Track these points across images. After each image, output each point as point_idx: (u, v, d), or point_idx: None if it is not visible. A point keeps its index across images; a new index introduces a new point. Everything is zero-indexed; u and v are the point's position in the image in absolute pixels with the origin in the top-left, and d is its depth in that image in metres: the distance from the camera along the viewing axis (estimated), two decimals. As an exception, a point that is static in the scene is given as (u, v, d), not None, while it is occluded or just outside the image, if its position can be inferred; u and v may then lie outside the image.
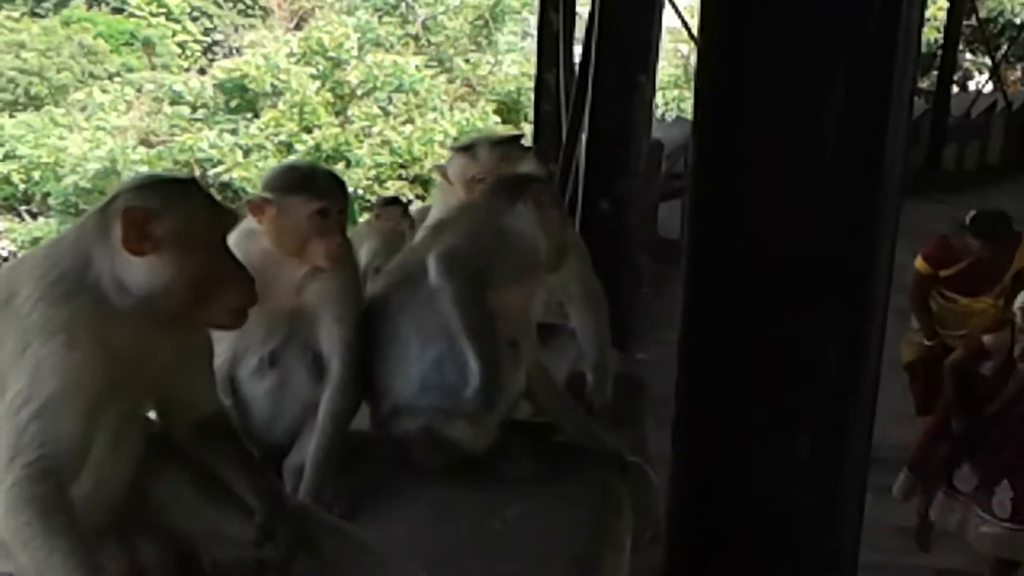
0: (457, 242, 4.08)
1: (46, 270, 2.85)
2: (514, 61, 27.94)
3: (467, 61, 28.38)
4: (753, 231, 2.51)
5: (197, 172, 22.68)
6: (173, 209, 2.88)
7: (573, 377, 4.70)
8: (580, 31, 11.09)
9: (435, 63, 27.69)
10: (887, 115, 2.38)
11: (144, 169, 22.74)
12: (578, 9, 11.97)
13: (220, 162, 22.82)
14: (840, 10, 2.33)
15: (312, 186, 3.91)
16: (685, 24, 11.21)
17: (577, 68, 9.28)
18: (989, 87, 19.07)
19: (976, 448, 7.05)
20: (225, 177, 22.62)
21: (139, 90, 28.03)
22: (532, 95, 25.54)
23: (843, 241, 2.47)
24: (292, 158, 22.61)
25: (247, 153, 23.26)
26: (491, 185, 4.39)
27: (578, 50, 10.95)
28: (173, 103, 25.66)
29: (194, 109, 25.39)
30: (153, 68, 29.68)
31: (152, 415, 3.18)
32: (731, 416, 2.63)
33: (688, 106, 26.43)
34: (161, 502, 3.12)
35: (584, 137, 8.09)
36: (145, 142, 25.09)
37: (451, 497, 3.90)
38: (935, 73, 18.29)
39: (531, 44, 28.77)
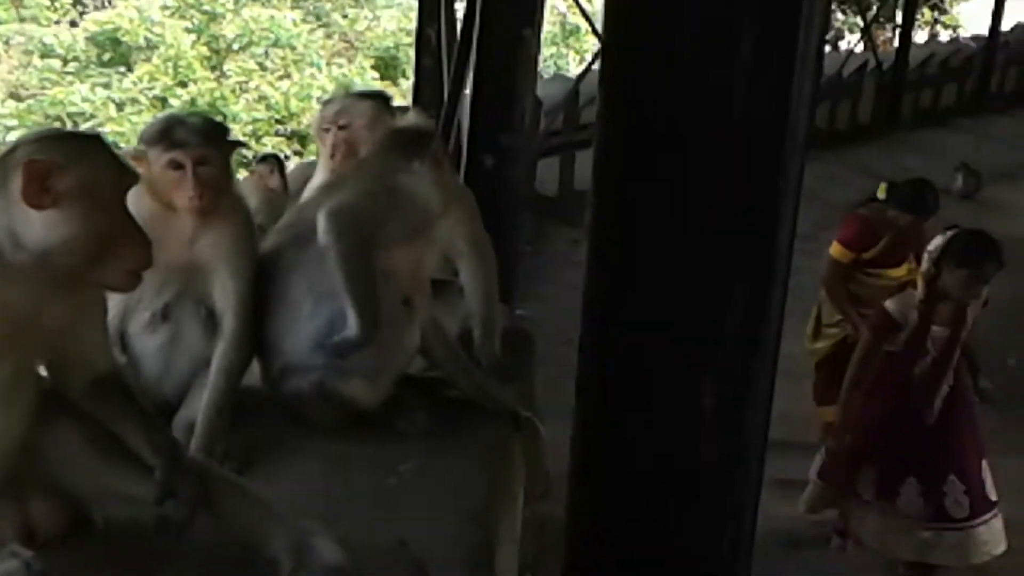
0: (347, 199, 4.05)
1: None
2: (392, 16, 27.69)
3: (345, 16, 28.08)
4: (656, 180, 2.52)
5: (69, 126, 22.20)
6: (76, 163, 2.82)
7: (463, 333, 4.69)
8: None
9: (313, 18, 27.36)
10: (793, 65, 2.40)
11: (13, 123, 22.25)
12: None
13: (93, 116, 22.33)
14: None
15: (166, 137, 3.84)
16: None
17: (460, 23, 9.23)
18: (860, 47, 19.31)
19: (898, 446, 6.35)
20: (98, 132, 22.05)
21: (7, 43, 27.35)
22: (411, 51, 25.54)
23: (746, 191, 2.48)
24: (167, 111, 22.35)
25: (120, 107, 22.79)
26: (385, 139, 4.35)
27: (460, 5, 10.95)
28: (43, 56, 25.02)
29: (65, 62, 24.77)
30: (22, 20, 28.95)
31: (43, 372, 3.12)
32: (634, 369, 2.65)
33: (565, 64, 26.51)
34: (54, 460, 3.07)
35: (468, 92, 8.05)
36: (14, 95, 24.45)
37: (344, 452, 3.89)
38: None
39: (408, 0, 28.65)
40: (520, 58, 7.41)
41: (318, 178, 4.89)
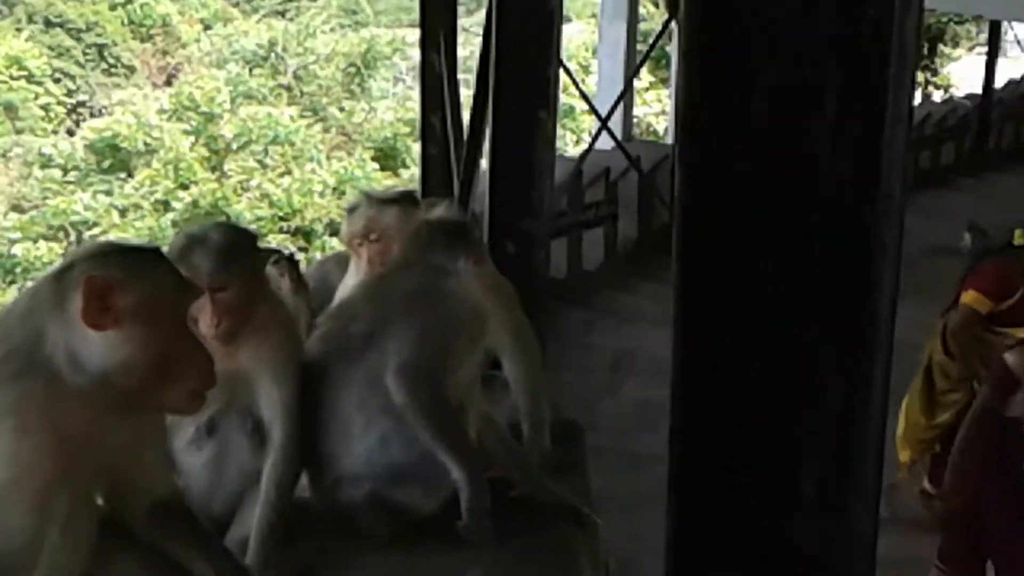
0: (409, 349, 3.84)
1: None
2: (388, 107, 27.85)
3: (341, 109, 28.22)
4: (743, 258, 2.38)
5: (72, 235, 22.21)
6: (137, 280, 2.69)
7: (510, 427, 4.55)
8: (460, 72, 10.99)
9: (309, 113, 27.51)
10: (882, 129, 2.27)
11: (16, 235, 22.27)
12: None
13: (96, 224, 22.33)
14: (832, 18, 2.22)
15: (184, 260, 3.59)
16: (567, 70, 11.10)
17: (470, 108, 9.14)
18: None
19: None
20: (102, 239, 22.20)
21: (5, 155, 27.46)
22: (410, 141, 25.70)
23: (839, 259, 2.34)
24: (172, 215, 22.36)
25: (123, 213, 22.81)
26: (423, 237, 4.16)
27: (464, 90, 10.90)
28: (43, 167, 25.11)
29: (65, 171, 24.85)
30: (18, 132, 29.09)
31: (100, 500, 2.97)
32: (729, 456, 2.49)
33: (563, 144, 26.54)
34: None
35: (486, 177, 7.95)
36: (16, 208, 24.51)
37: (406, 562, 3.74)
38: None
39: (403, 89, 28.81)
40: (538, 141, 7.29)
41: (353, 278, 4.75)
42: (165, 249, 3.19)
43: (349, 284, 4.70)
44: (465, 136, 9.71)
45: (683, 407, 2.57)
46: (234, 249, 3.75)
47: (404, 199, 4.83)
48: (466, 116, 9.89)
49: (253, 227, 21.32)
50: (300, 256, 19.94)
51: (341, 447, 3.90)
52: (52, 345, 2.65)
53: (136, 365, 2.67)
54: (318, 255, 19.38)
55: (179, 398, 2.80)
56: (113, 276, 2.66)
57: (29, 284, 2.84)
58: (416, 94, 11.26)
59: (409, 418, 3.78)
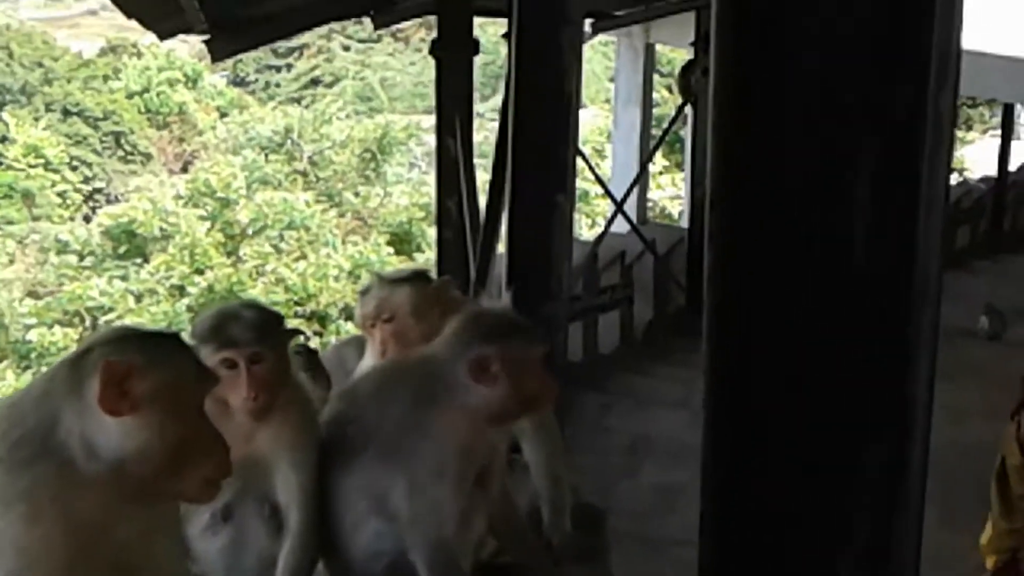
0: (431, 525, 3.73)
1: (7, 429, 2.59)
2: (403, 192, 27.98)
3: (356, 194, 28.37)
4: (774, 335, 2.34)
5: (88, 320, 22.25)
6: (156, 366, 2.64)
7: (530, 511, 4.48)
8: (475, 157, 11.04)
9: (325, 198, 27.65)
10: (918, 210, 2.23)
11: (32, 321, 22.30)
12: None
13: (111, 309, 22.37)
14: (866, 96, 2.18)
15: (219, 335, 3.62)
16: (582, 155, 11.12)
17: (487, 192, 9.15)
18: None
19: None
20: (119, 324, 22.18)
21: (20, 242, 27.60)
22: (424, 225, 25.78)
23: (875, 345, 2.30)
24: (188, 300, 22.40)
25: (139, 299, 22.85)
26: (461, 329, 3.88)
27: (480, 174, 10.92)
28: (59, 252, 25.24)
29: (81, 257, 24.98)
30: (35, 219, 29.27)
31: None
32: (761, 554, 2.44)
33: (578, 228, 26.57)
34: None
35: (501, 261, 7.94)
36: (32, 294, 24.60)
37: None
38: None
39: (418, 175, 28.97)
40: (556, 224, 7.29)
41: (369, 361, 4.70)
42: (185, 334, 3.16)
43: (365, 367, 4.66)
44: (481, 220, 9.72)
45: (713, 500, 2.52)
46: (269, 321, 3.76)
47: (416, 278, 4.77)
48: (482, 201, 9.90)
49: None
50: (315, 340, 19.94)
51: (352, 528, 3.85)
52: (67, 431, 2.60)
53: (152, 452, 2.61)
54: (333, 339, 19.36)
55: (195, 487, 2.74)
56: (132, 361, 2.60)
57: (44, 369, 2.77)
58: (431, 179, 11.32)
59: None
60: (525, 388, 3.72)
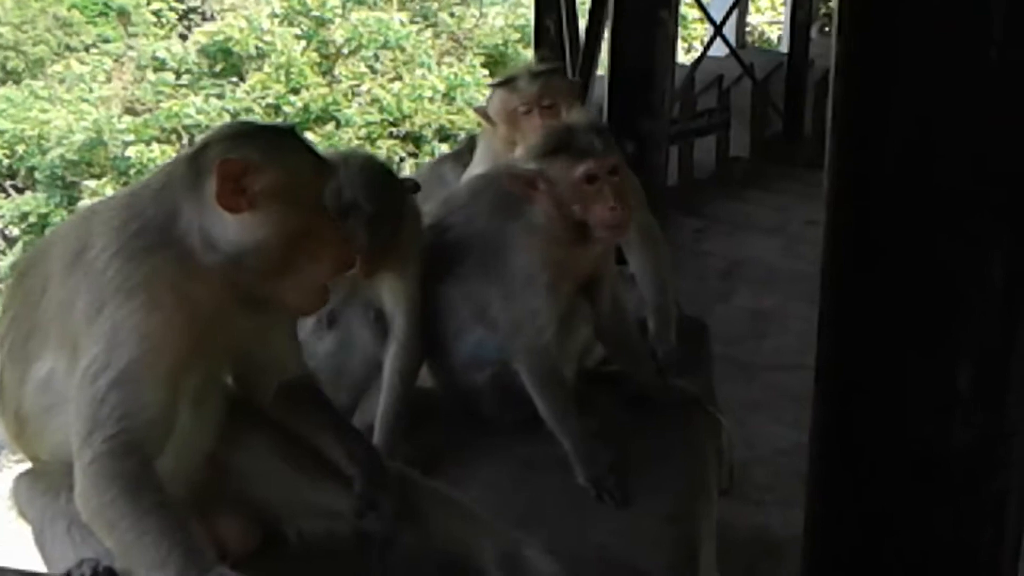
0: (529, 332, 3.73)
1: (125, 221, 2.61)
2: (499, 13, 27.50)
3: (452, 15, 27.95)
4: (905, 146, 2.28)
5: (185, 138, 22.37)
6: (273, 162, 2.64)
7: (636, 323, 4.47)
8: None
9: (420, 19, 27.27)
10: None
11: (131, 138, 22.45)
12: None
13: (208, 127, 22.42)
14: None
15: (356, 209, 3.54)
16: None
17: (590, 7, 9.00)
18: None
19: None
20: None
21: (117, 60, 27.63)
22: (520, 47, 25.44)
23: (1004, 155, 2.23)
24: (283, 119, 22.36)
25: (235, 117, 22.80)
26: (553, 140, 3.82)
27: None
28: (156, 70, 25.21)
29: (178, 75, 24.91)
30: (131, 36, 29.29)
31: (230, 381, 2.95)
32: (882, 349, 2.41)
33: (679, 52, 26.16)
34: (244, 473, 2.91)
35: (601, 82, 7.84)
36: (130, 111, 24.65)
37: (530, 455, 3.71)
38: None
39: (515, -4, 28.54)
40: (658, 40, 7.17)
41: (479, 168, 4.64)
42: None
43: (477, 171, 4.58)
44: (581, 39, 9.58)
45: (834, 300, 2.49)
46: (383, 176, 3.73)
47: (560, 70, 4.64)
48: (581, 22, 9.75)
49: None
50: (409, 161, 19.95)
51: (456, 334, 3.88)
52: (186, 223, 2.62)
53: (270, 246, 2.63)
54: (427, 160, 19.33)
55: (306, 291, 2.73)
56: (248, 158, 2.61)
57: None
58: (528, 0, 11.10)
59: (527, 387, 3.73)
60: (576, 208, 3.69)
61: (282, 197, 2.63)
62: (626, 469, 3.61)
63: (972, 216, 2.27)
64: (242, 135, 2.72)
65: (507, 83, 4.66)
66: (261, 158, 2.62)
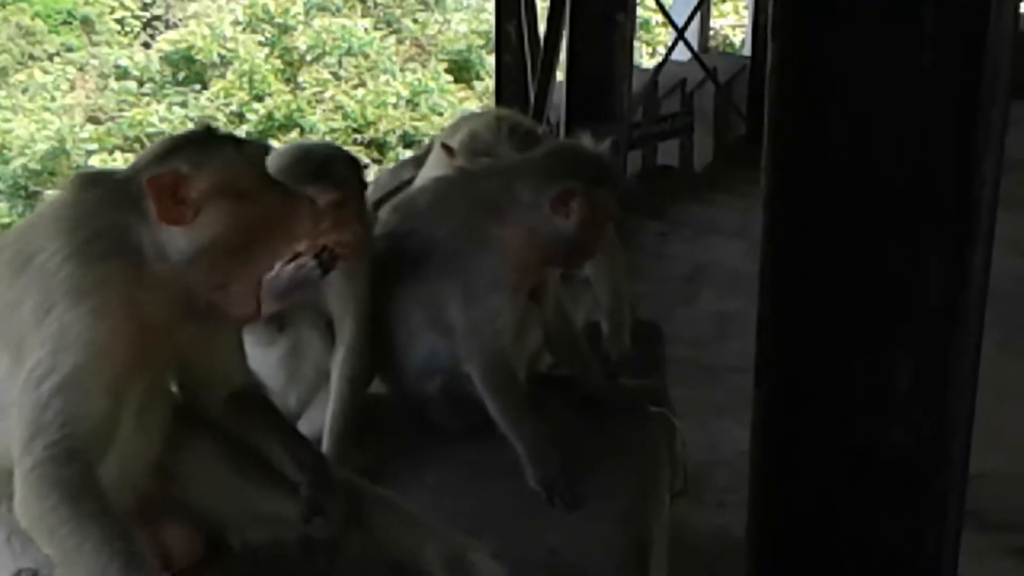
0: (487, 334, 3.73)
1: (75, 227, 2.60)
2: (462, 19, 27.54)
3: (415, 21, 27.97)
4: (843, 147, 2.28)
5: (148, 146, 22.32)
6: (201, 165, 2.64)
7: (589, 326, 4.48)
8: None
9: (384, 25, 27.28)
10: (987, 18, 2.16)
11: (94, 147, 22.37)
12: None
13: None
14: None
15: (328, 174, 3.58)
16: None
17: (548, 12, 9.00)
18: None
19: None
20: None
21: (81, 68, 27.54)
22: (483, 53, 25.45)
23: (941, 155, 2.24)
24: (247, 127, 22.33)
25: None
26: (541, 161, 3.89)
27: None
28: (119, 79, 25.16)
29: (141, 84, 24.88)
30: (94, 45, 29.18)
31: (175, 389, 2.94)
32: (822, 348, 2.41)
33: (639, 56, 26.21)
34: (189, 481, 2.90)
35: (562, 87, 7.84)
36: (93, 119, 24.58)
37: (480, 459, 3.70)
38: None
39: (477, 2, 28.55)
40: (615, 43, 7.19)
41: (429, 173, 4.63)
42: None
43: (424, 180, 4.59)
44: (541, 43, 9.58)
45: (771, 297, 2.49)
46: (356, 162, 3.77)
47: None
48: (541, 26, 9.75)
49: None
50: (374, 168, 19.92)
51: (407, 342, 3.87)
52: (137, 235, 2.62)
53: (229, 240, 2.64)
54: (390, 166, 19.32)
55: (243, 301, 2.73)
56: (176, 170, 2.61)
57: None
58: (491, 6, 11.07)
59: (479, 390, 3.73)
60: (590, 233, 3.76)
61: (224, 193, 2.64)
62: (577, 472, 3.61)
63: (911, 215, 2.28)
64: (164, 152, 2.72)
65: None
66: (189, 165, 2.62)
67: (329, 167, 3.60)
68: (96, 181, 2.75)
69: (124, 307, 2.57)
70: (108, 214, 2.64)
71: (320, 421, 3.73)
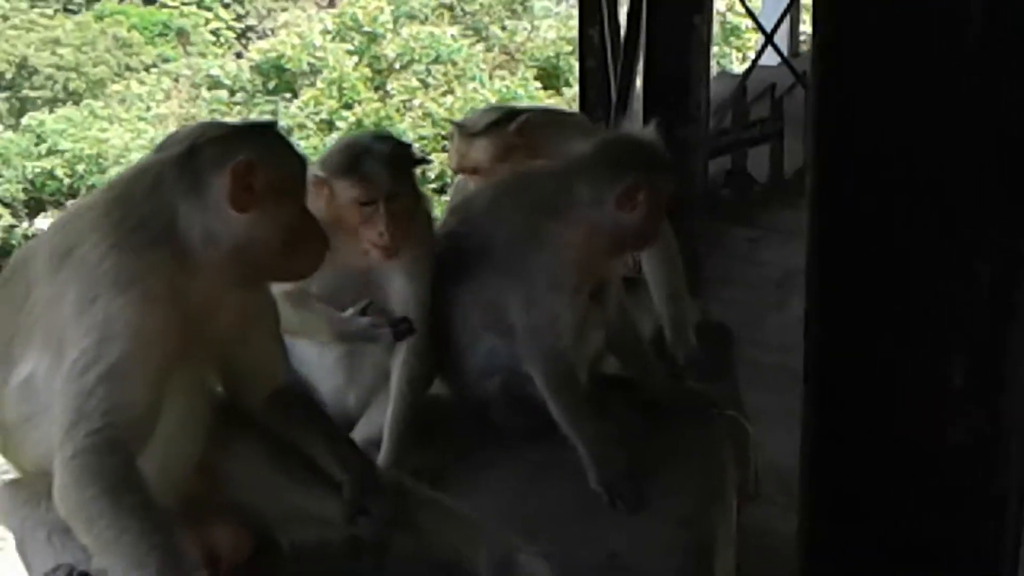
0: (548, 336, 3.68)
1: (121, 218, 2.62)
2: (551, 26, 27.57)
3: (503, 28, 28.03)
4: (888, 144, 2.22)
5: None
6: (271, 160, 2.68)
7: (657, 330, 4.40)
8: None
9: (471, 32, 27.37)
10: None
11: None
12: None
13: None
14: None
15: (357, 170, 3.56)
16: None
17: (626, 17, 8.94)
18: None
19: None
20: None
21: (175, 79, 27.92)
22: (572, 59, 25.41)
23: (994, 148, 2.16)
24: (337, 134, 22.47)
25: (289, 133, 22.93)
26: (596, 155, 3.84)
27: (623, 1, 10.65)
28: (211, 88, 25.51)
29: (232, 93, 25.21)
30: (189, 57, 29.57)
31: (219, 389, 2.93)
32: (873, 347, 2.34)
33: (728, 62, 26.07)
34: (234, 480, 2.89)
35: (640, 85, 7.77)
36: (185, 129, 24.95)
37: (542, 461, 3.66)
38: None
39: (566, 8, 28.53)
40: (692, 46, 7.09)
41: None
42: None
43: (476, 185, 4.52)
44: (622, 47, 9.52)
45: (821, 298, 2.43)
46: (404, 155, 3.72)
47: (494, 124, 4.51)
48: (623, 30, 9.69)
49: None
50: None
51: (467, 343, 3.84)
52: (186, 223, 2.63)
53: (271, 240, 2.67)
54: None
55: (302, 265, 2.84)
56: (253, 158, 2.63)
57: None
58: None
59: (543, 394, 3.68)
60: (654, 220, 3.75)
61: (280, 192, 2.69)
62: (640, 474, 3.55)
63: (961, 209, 2.20)
64: (233, 136, 2.73)
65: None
66: (260, 157, 2.64)
67: (359, 164, 3.57)
68: (145, 168, 2.75)
69: (169, 295, 2.58)
70: (156, 200, 2.65)
71: (380, 422, 3.70)
